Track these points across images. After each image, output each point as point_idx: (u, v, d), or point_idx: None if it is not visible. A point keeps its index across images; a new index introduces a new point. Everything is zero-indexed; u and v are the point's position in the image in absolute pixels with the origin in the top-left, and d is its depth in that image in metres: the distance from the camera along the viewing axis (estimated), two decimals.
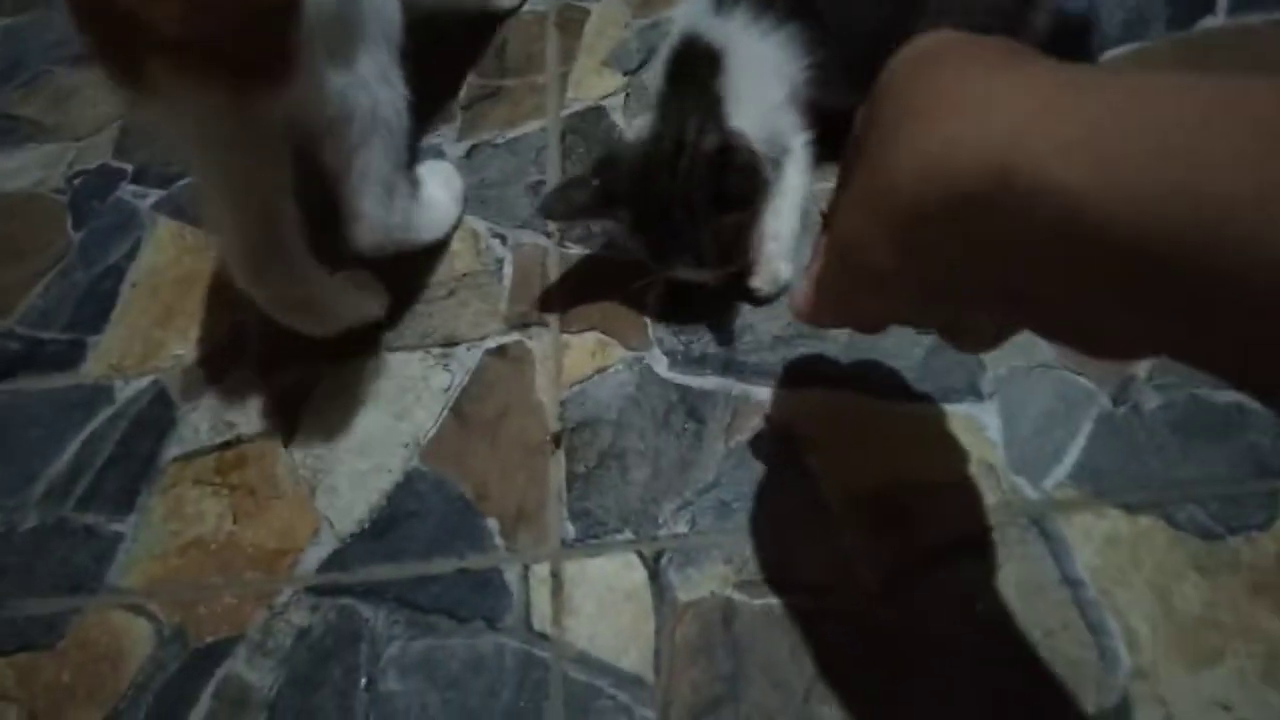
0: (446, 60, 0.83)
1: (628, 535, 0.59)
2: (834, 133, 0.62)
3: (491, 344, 0.69)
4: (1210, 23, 0.73)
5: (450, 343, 0.70)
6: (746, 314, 0.66)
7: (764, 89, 0.62)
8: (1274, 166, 0.21)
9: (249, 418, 0.69)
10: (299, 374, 0.70)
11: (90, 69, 0.92)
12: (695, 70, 0.62)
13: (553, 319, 0.69)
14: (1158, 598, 0.51)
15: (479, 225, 0.75)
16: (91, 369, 0.74)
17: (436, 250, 0.74)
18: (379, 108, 0.60)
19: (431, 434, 0.66)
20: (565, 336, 0.68)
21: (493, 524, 0.61)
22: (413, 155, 0.74)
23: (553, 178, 0.76)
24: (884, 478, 0.58)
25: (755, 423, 0.62)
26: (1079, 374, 0.59)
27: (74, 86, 0.93)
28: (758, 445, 0.61)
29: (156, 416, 0.70)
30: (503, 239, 0.74)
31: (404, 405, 0.67)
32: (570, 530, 0.60)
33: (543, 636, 0.57)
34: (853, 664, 0.53)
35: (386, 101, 0.61)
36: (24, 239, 0.83)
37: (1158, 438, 0.56)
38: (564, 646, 0.56)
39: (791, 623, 0.55)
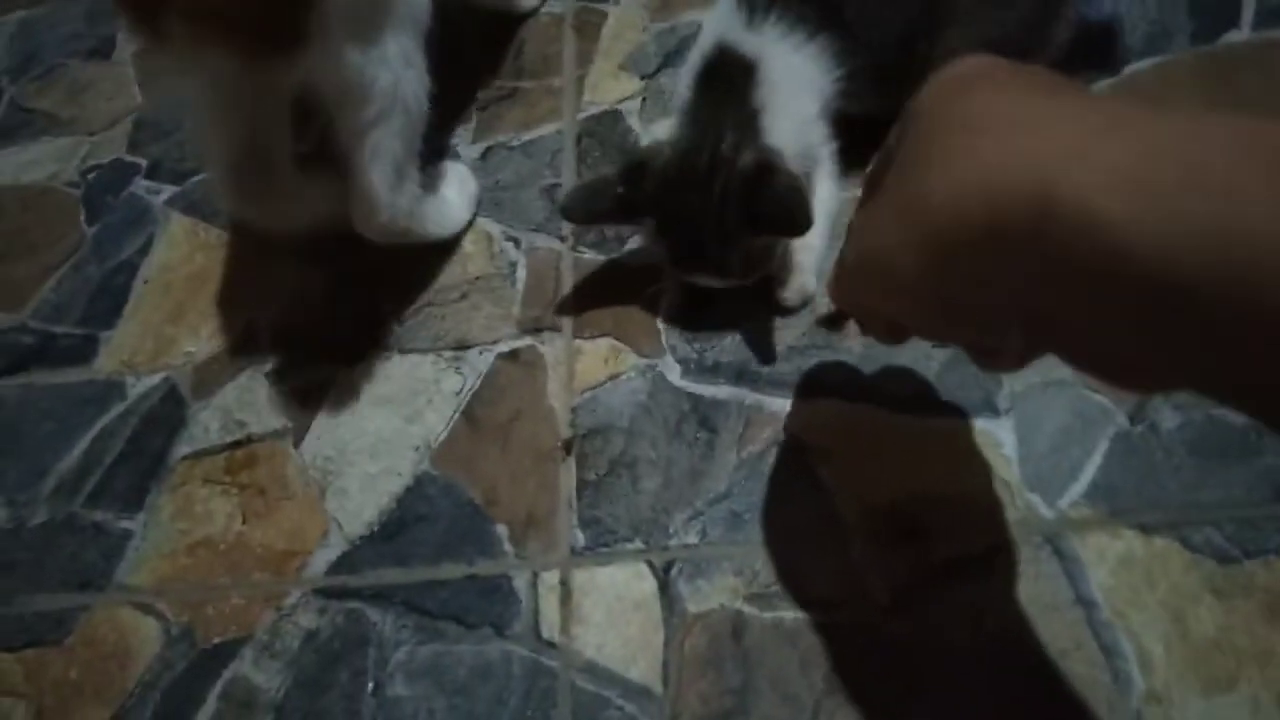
0: (463, 61, 0.83)
1: (638, 544, 0.59)
2: (861, 142, 0.62)
3: (504, 348, 0.69)
4: (1234, 37, 0.72)
5: (462, 346, 0.69)
6: (747, 331, 0.66)
7: (799, 102, 0.62)
8: None
9: (260, 417, 0.69)
10: (311, 374, 0.70)
11: (105, 62, 0.93)
12: (729, 82, 0.61)
13: (566, 324, 0.69)
14: (1172, 620, 0.51)
15: (493, 228, 0.75)
16: (103, 364, 0.74)
17: (449, 252, 0.74)
18: (400, 89, 0.60)
19: (442, 437, 0.66)
20: (578, 342, 0.68)
21: (502, 530, 0.61)
22: (431, 154, 0.74)
23: (568, 181, 0.76)
24: (897, 492, 0.57)
25: (768, 433, 0.62)
26: (1096, 391, 0.59)
27: (89, 80, 0.93)
28: (769, 456, 0.61)
29: (167, 414, 0.70)
30: (516, 242, 0.74)
31: (415, 408, 0.67)
32: (580, 538, 0.60)
33: (551, 645, 0.57)
34: (863, 679, 0.53)
35: (408, 84, 0.61)
36: (37, 233, 0.83)
37: (1174, 458, 0.56)
38: (572, 655, 0.56)
39: (802, 636, 0.54)
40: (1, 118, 0.92)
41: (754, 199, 0.58)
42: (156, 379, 0.72)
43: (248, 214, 0.68)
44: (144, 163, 0.85)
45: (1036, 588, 0.53)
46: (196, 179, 0.83)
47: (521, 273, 0.72)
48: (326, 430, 0.67)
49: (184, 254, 0.78)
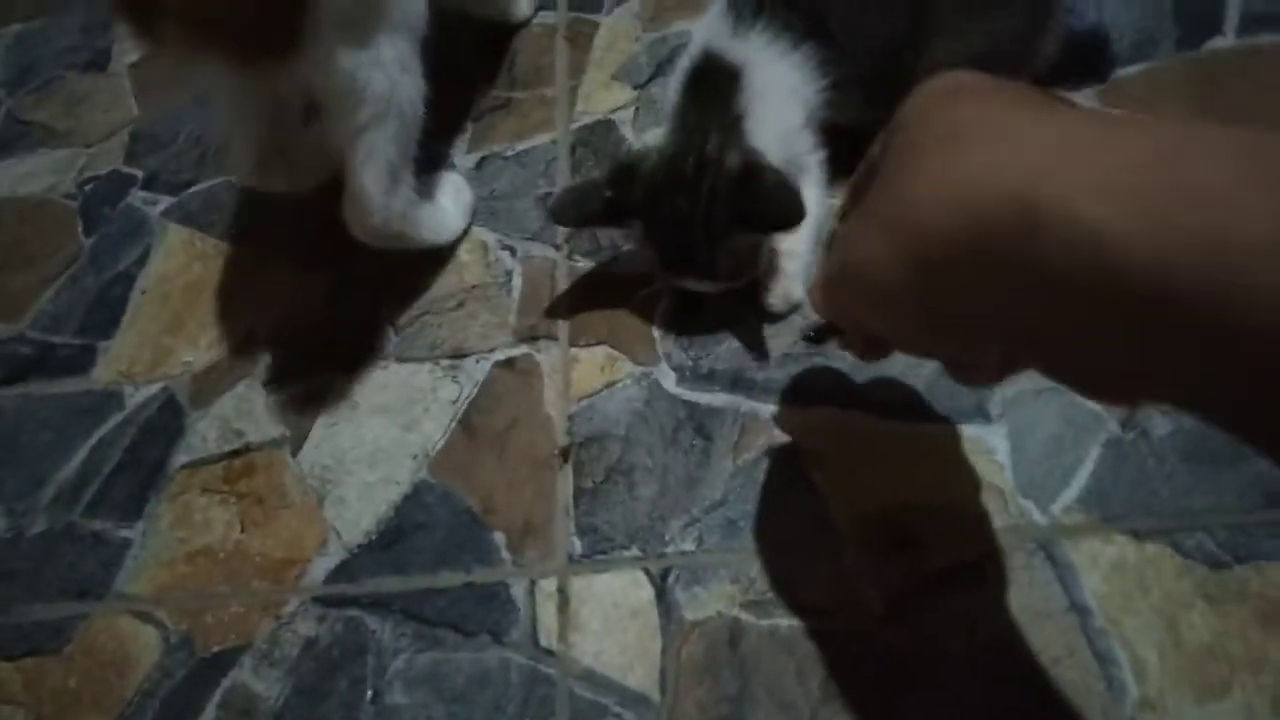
0: (457, 72, 0.83)
1: (635, 552, 0.60)
2: (845, 150, 0.63)
3: (500, 356, 0.69)
4: (1219, 43, 0.73)
5: (459, 354, 0.70)
6: (739, 332, 0.66)
7: (783, 111, 0.63)
8: None
9: (258, 426, 0.69)
10: (308, 384, 0.70)
11: (102, 74, 0.93)
12: (715, 88, 0.62)
13: (561, 332, 0.69)
14: (1165, 626, 0.51)
15: (488, 237, 0.75)
16: (101, 375, 0.74)
17: (445, 262, 0.74)
18: (396, 93, 0.61)
19: (440, 446, 0.66)
20: (574, 350, 0.68)
21: (500, 538, 0.62)
22: (427, 164, 0.74)
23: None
24: (891, 499, 0.58)
25: (763, 440, 0.62)
26: (1088, 398, 0.59)
27: (86, 92, 0.93)
28: (765, 463, 0.61)
29: (165, 423, 0.71)
30: (512, 251, 0.74)
31: (412, 417, 0.67)
32: (577, 546, 0.60)
33: (549, 652, 0.57)
34: (858, 686, 0.53)
35: (404, 89, 0.62)
36: (35, 244, 0.83)
37: (1166, 464, 0.56)
38: (570, 663, 0.56)
39: (797, 644, 0.55)
40: None
41: (744, 198, 0.58)
42: (154, 389, 0.72)
43: (273, 188, 0.71)
44: (140, 174, 0.86)
45: (1029, 594, 0.54)
46: (193, 190, 0.83)
47: (517, 281, 0.73)
48: (324, 439, 0.68)
49: (181, 264, 0.79)
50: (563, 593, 0.59)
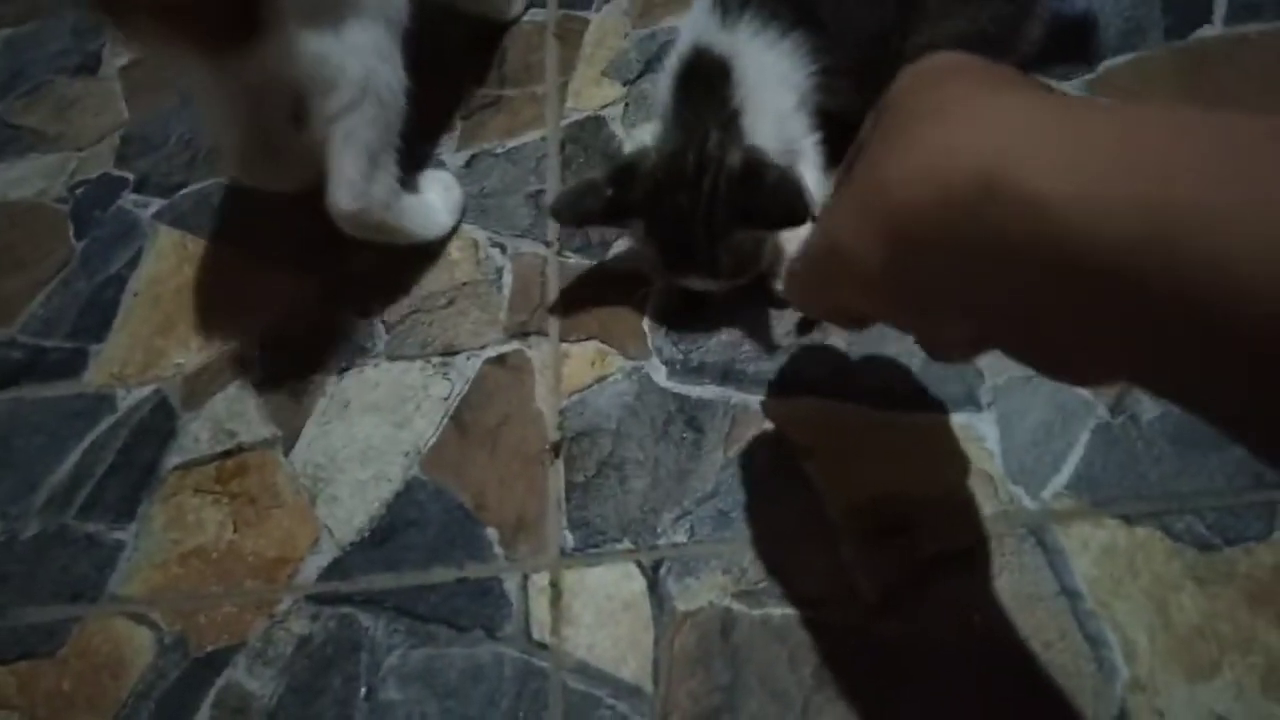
0: (447, 70, 0.84)
1: (627, 545, 0.60)
2: (841, 136, 0.63)
3: (491, 353, 0.69)
4: (1207, 32, 0.73)
5: (450, 351, 0.70)
6: (745, 323, 0.66)
7: (775, 98, 0.63)
8: (1239, 186, 0.21)
9: (249, 426, 0.69)
10: (299, 383, 0.70)
11: (92, 78, 0.94)
12: (707, 82, 0.62)
13: (552, 328, 0.69)
14: (1155, 609, 0.52)
15: (479, 234, 0.75)
16: (93, 378, 0.74)
17: (435, 259, 0.74)
18: (372, 79, 0.61)
19: (431, 443, 0.66)
20: (565, 345, 0.68)
21: (492, 533, 0.62)
22: (417, 162, 0.75)
23: (552, 187, 0.76)
24: (882, 488, 0.58)
25: (754, 432, 0.62)
26: None
27: (76, 96, 0.93)
28: (755, 454, 0.61)
29: (158, 425, 0.71)
30: (502, 248, 0.74)
31: (404, 414, 0.68)
32: (569, 540, 0.60)
33: (542, 646, 0.57)
34: (851, 675, 0.53)
35: (381, 75, 0.62)
36: (26, 248, 0.83)
37: (1155, 448, 0.56)
38: (563, 656, 0.57)
39: (790, 633, 0.55)
40: None
41: (747, 196, 0.58)
42: (146, 391, 0.72)
43: (257, 183, 0.72)
44: (131, 177, 0.86)
45: (1021, 580, 0.54)
46: (184, 192, 0.83)
47: (508, 278, 0.73)
48: (316, 438, 0.68)
49: (172, 266, 0.79)
50: (555, 586, 0.59)
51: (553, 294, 0.71)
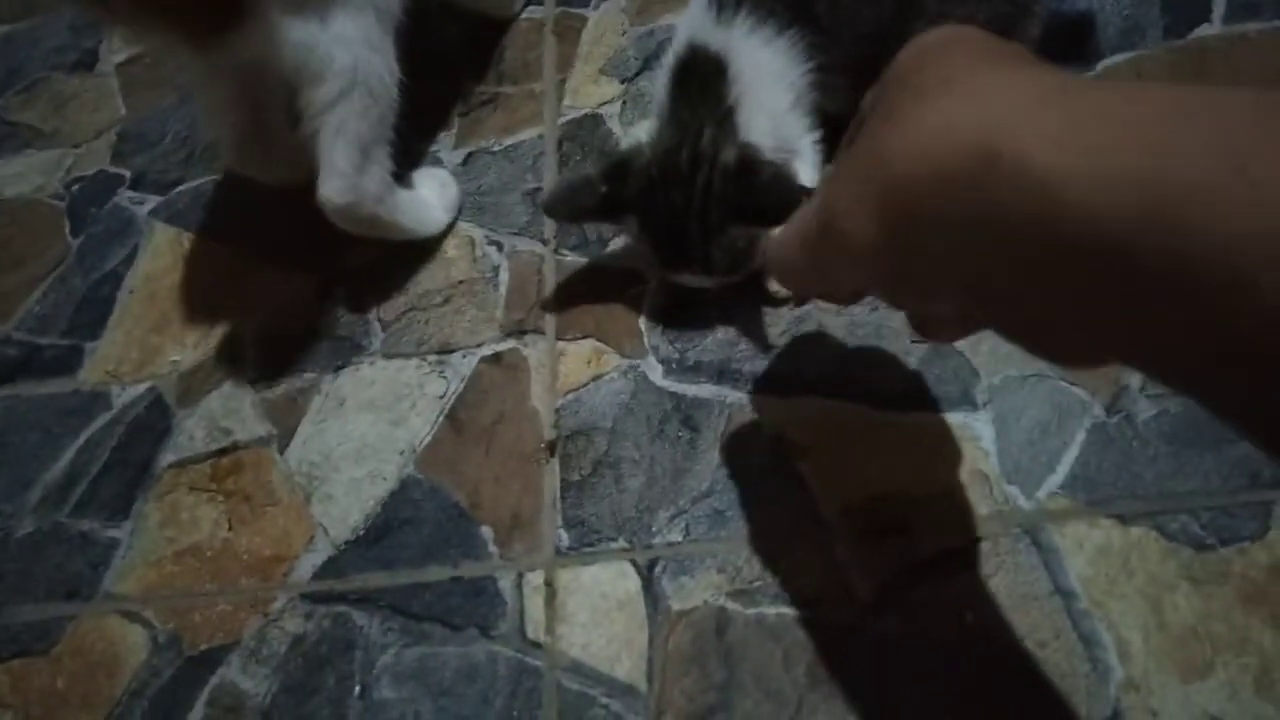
0: (445, 67, 0.83)
1: (622, 544, 0.59)
2: (838, 135, 0.63)
3: (487, 351, 0.69)
4: (1206, 31, 0.73)
5: (446, 350, 0.70)
6: (740, 322, 0.66)
7: (772, 96, 0.62)
8: (1238, 163, 0.21)
9: (244, 424, 0.69)
10: (295, 381, 0.70)
11: (89, 74, 0.93)
12: (703, 80, 0.61)
13: (548, 326, 0.69)
14: (1150, 608, 0.52)
15: (475, 232, 0.75)
16: (89, 375, 0.74)
17: (432, 257, 0.74)
18: (361, 70, 0.61)
19: (427, 441, 0.66)
20: (561, 344, 0.68)
21: (487, 532, 0.62)
22: (414, 159, 0.75)
23: (549, 185, 0.76)
24: (877, 487, 0.58)
25: (748, 430, 0.62)
26: (1072, 383, 0.59)
27: (72, 93, 0.93)
28: (747, 450, 0.61)
29: (153, 423, 0.71)
30: (499, 246, 0.74)
31: (399, 412, 0.67)
32: (564, 538, 0.60)
33: (536, 645, 0.57)
34: (845, 674, 0.53)
35: (371, 66, 0.62)
36: (22, 245, 0.83)
37: (1151, 448, 0.56)
38: (557, 655, 0.56)
39: (785, 631, 0.55)
40: None
41: (741, 192, 0.58)
42: (141, 388, 0.72)
43: (251, 174, 0.72)
44: (128, 174, 0.85)
45: (1015, 579, 0.54)
46: (180, 189, 0.83)
47: (504, 276, 0.72)
48: (311, 436, 0.68)
49: (168, 264, 0.79)
50: (550, 585, 0.59)
51: (549, 292, 0.71)
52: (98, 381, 0.74)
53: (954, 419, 0.59)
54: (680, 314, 0.67)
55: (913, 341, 0.62)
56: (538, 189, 0.76)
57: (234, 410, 0.70)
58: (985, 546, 0.55)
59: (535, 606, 0.58)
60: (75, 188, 0.86)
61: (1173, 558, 0.53)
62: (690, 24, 0.64)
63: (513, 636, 0.58)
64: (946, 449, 0.59)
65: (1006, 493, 0.57)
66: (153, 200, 0.83)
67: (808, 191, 0.57)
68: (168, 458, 0.69)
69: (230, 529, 0.65)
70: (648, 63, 0.81)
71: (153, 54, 0.84)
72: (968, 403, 0.60)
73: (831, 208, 0.33)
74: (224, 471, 0.67)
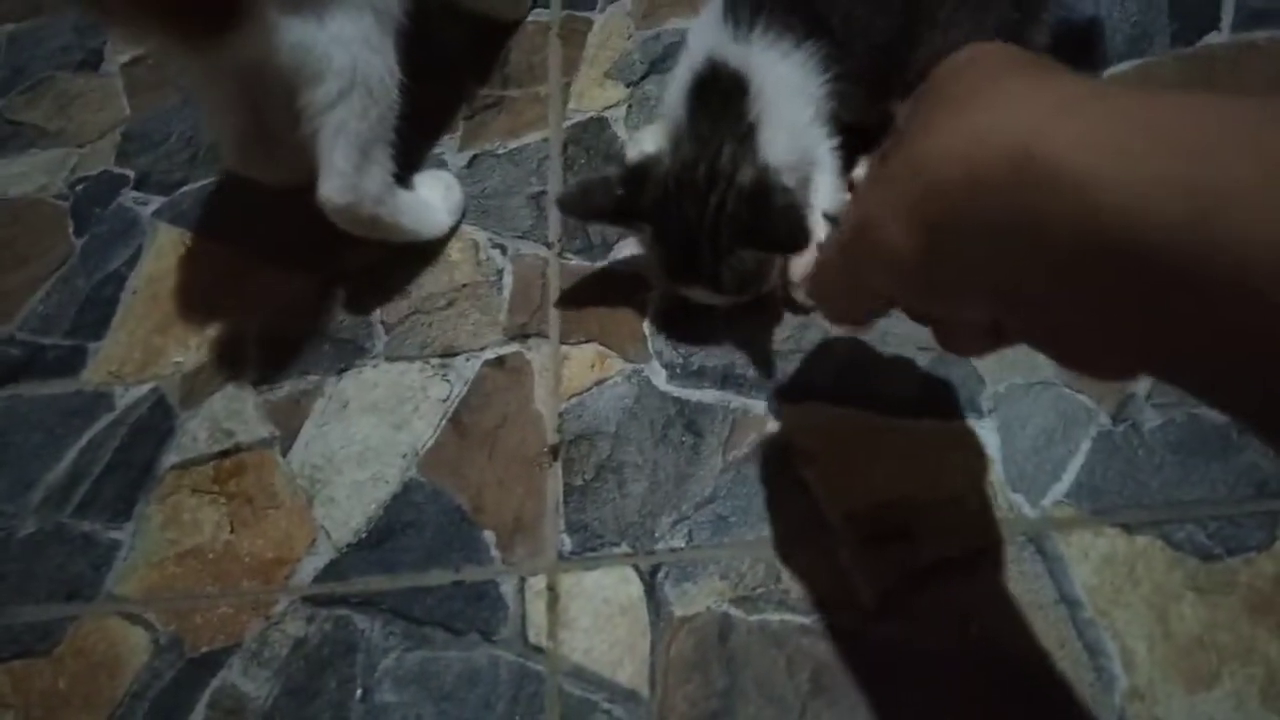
0: (450, 70, 0.83)
1: (624, 549, 0.59)
2: (854, 145, 0.64)
3: (490, 355, 0.69)
4: (1214, 39, 0.73)
5: (449, 353, 0.70)
6: (746, 328, 0.66)
7: (792, 110, 0.62)
8: (1276, 167, 0.21)
9: (247, 426, 0.69)
10: (298, 383, 0.70)
11: (94, 74, 0.93)
12: (724, 96, 0.61)
13: (552, 330, 0.69)
14: (1155, 618, 0.51)
15: (479, 235, 0.75)
16: (91, 375, 0.74)
17: (436, 260, 0.74)
18: (360, 70, 0.61)
19: (430, 444, 0.66)
20: (564, 348, 0.68)
21: (489, 536, 0.61)
22: (418, 162, 0.74)
23: (554, 188, 0.76)
24: (882, 493, 0.58)
25: (753, 437, 0.62)
26: (1078, 392, 0.59)
27: (77, 92, 0.93)
28: (755, 459, 0.61)
29: (155, 424, 0.70)
30: (503, 249, 0.74)
31: (402, 415, 0.67)
32: (567, 543, 0.60)
33: (538, 650, 0.57)
34: (848, 681, 0.53)
35: (370, 67, 0.62)
36: (26, 245, 0.83)
37: (1157, 456, 0.56)
38: (559, 660, 0.56)
39: (787, 638, 0.55)
40: None
41: (753, 215, 0.58)
42: (144, 389, 0.72)
43: (252, 174, 0.72)
44: (132, 174, 0.85)
45: (1020, 587, 0.53)
46: (184, 190, 0.83)
47: (508, 280, 0.72)
48: (314, 438, 0.68)
49: (172, 264, 0.79)
50: (552, 590, 0.59)
51: (553, 296, 0.71)
52: (100, 382, 0.73)
53: (959, 426, 0.59)
54: (690, 328, 0.67)
55: (925, 350, 0.62)
56: (542, 192, 0.76)
57: (236, 412, 0.70)
58: (989, 554, 0.55)
59: (537, 611, 0.58)
60: (79, 188, 0.86)
61: (1179, 567, 0.52)
62: (706, 38, 0.64)
63: (514, 641, 0.57)
64: (951, 456, 0.58)
65: (1011, 500, 0.56)
66: (157, 200, 0.83)
67: (831, 219, 0.57)
68: (170, 459, 0.69)
69: (232, 531, 0.65)
70: (653, 66, 0.81)
71: (154, 54, 0.84)
72: (973, 410, 0.60)
73: (866, 214, 0.34)
74: (226, 473, 0.67)
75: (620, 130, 0.79)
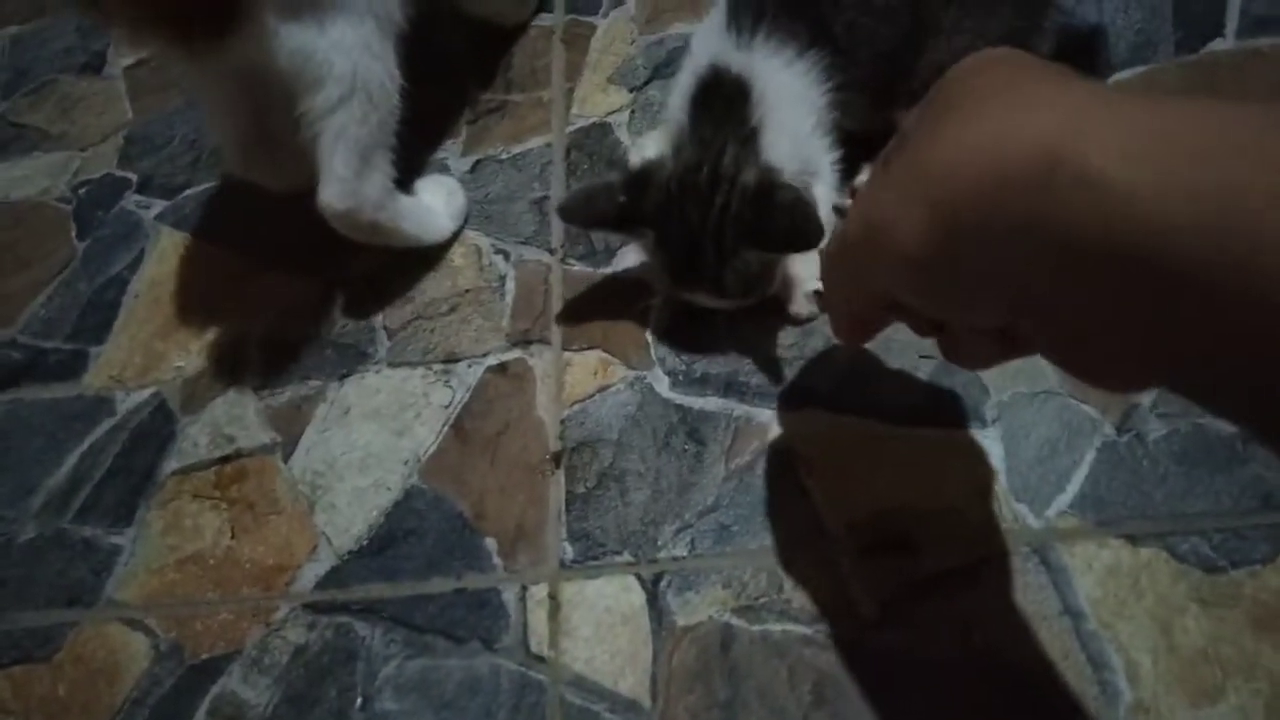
0: (452, 75, 0.83)
1: (626, 557, 0.59)
2: (853, 157, 0.64)
3: (493, 361, 0.69)
4: (1219, 46, 0.72)
5: (452, 359, 0.69)
6: (749, 336, 0.66)
7: (794, 118, 0.62)
8: (1276, 171, 0.21)
9: (249, 432, 0.69)
10: (299, 389, 0.70)
11: (97, 77, 0.93)
12: (727, 101, 0.61)
13: (555, 336, 0.69)
14: (1159, 630, 0.51)
15: (482, 241, 0.75)
16: (93, 380, 0.74)
17: (438, 266, 0.74)
18: (359, 76, 0.61)
19: (431, 451, 0.66)
20: (567, 354, 0.68)
21: (491, 543, 0.61)
22: (421, 167, 0.74)
23: (557, 194, 0.76)
24: (884, 503, 0.57)
25: (756, 445, 0.62)
26: (1083, 402, 0.59)
27: (80, 95, 0.93)
28: (757, 467, 0.61)
29: (157, 429, 0.70)
30: (506, 255, 0.74)
31: (404, 422, 0.67)
32: (569, 551, 0.60)
33: (539, 659, 0.57)
34: (850, 691, 0.53)
35: (371, 73, 0.62)
36: (28, 248, 0.83)
37: (1161, 467, 0.56)
38: (561, 669, 0.56)
39: (789, 649, 0.54)
40: None
41: (759, 215, 0.58)
42: (146, 394, 0.72)
43: (254, 179, 0.72)
44: (135, 178, 0.85)
45: (1024, 598, 0.53)
46: (187, 193, 0.83)
47: (510, 285, 0.72)
48: (316, 445, 0.67)
49: (174, 269, 0.79)
50: (554, 599, 0.59)
51: (556, 302, 0.71)
52: (102, 387, 0.73)
53: (963, 436, 0.59)
54: (694, 334, 0.67)
55: (927, 358, 0.62)
56: (545, 198, 0.76)
57: (238, 417, 0.70)
58: (993, 565, 0.55)
59: (539, 620, 0.58)
60: (82, 191, 0.86)
61: (1183, 579, 0.52)
62: (709, 45, 0.64)
63: (516, 650, 0.57)
64: (954, 465, 0.58)
65: (1015, 511, 0.56)
66: (159, 204, 0.83)
67: (840, 211, 0.57)
68: (171, 464, 0.68)
69: (233, 537, 0.65)
70: (657, 71, 0.81)
71: (156, 58, 0.84)
72: (977, 419, 0.59)
73: (874, 215, 0.33)
74: (227, 479, 0.67)
75: (623, 135, 0.78)
